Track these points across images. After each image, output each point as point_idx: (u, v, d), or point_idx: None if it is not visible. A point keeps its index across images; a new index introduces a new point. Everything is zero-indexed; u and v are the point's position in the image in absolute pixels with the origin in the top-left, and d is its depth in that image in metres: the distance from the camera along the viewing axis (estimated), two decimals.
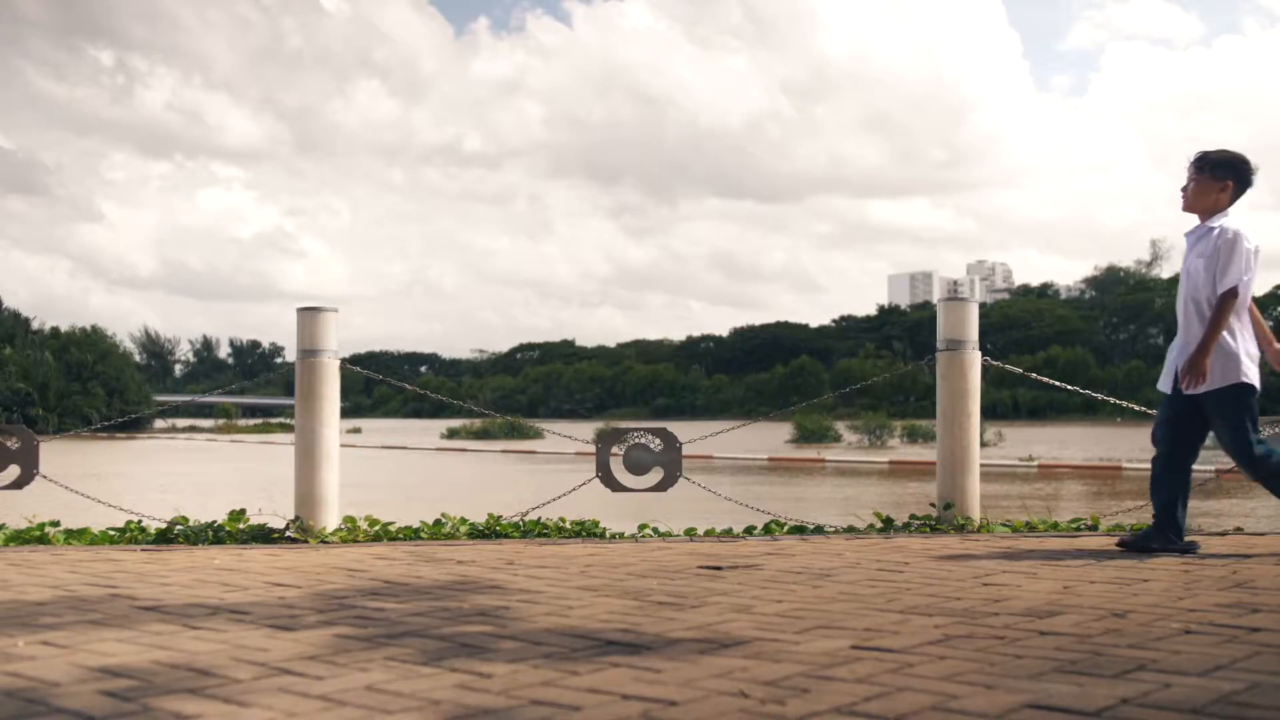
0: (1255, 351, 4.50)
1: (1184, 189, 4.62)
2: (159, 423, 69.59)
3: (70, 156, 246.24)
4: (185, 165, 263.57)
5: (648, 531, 5.48)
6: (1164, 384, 4.61)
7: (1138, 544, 4.48)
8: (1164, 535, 4.47)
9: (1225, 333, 4.39)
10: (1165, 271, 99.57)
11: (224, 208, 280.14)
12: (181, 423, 71.70)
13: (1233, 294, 4.37)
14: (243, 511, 5.36)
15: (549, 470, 22.12)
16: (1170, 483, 4.51)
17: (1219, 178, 4.54)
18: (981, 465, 5.82)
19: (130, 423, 57.92)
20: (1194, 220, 4.62)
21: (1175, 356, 4.56)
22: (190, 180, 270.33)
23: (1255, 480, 4.47)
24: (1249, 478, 4.49)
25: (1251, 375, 4.40)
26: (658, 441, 5.79)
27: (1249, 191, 4.58)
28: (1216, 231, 4.47)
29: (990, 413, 38.87)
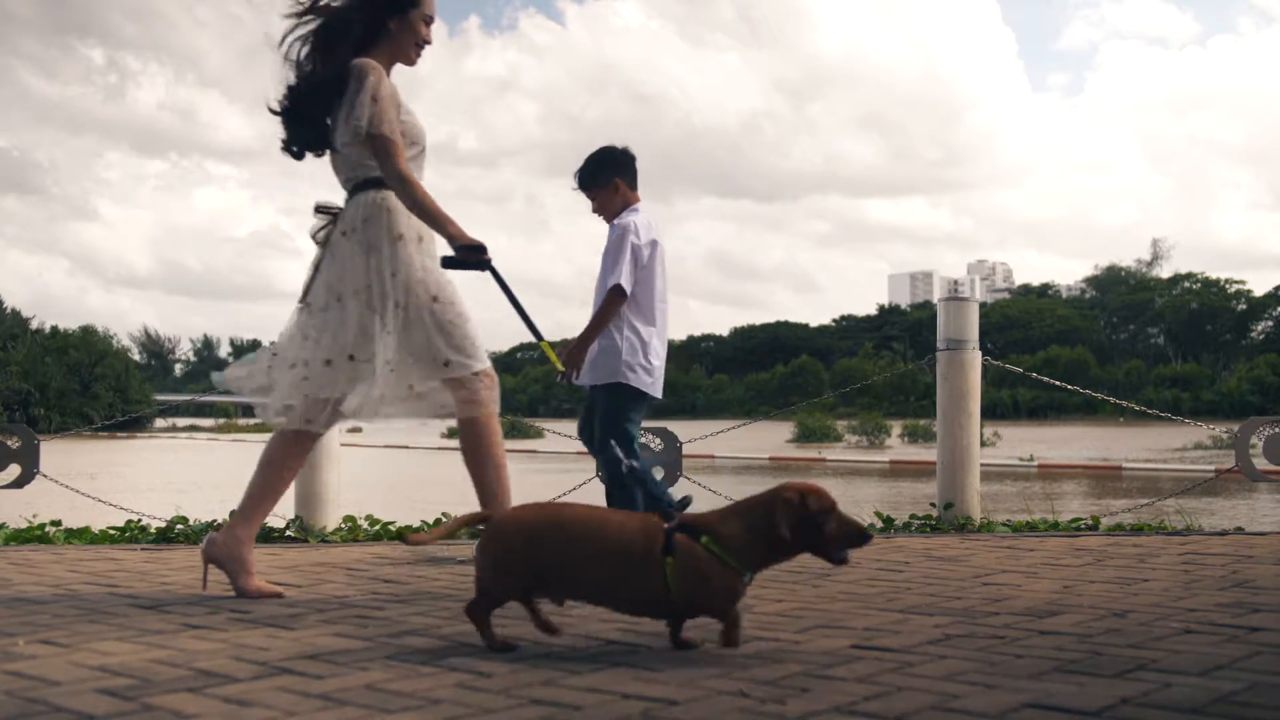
0: (654, 359, 4.37)
1: (594, 210, 4.55)
2: (159, 422, 69.58)
3: (65, 155, 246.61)
4: (180, 164, 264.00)
5: None
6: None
7: None
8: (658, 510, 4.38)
9: (615, 330, 4.30)
10: (1166, 271, 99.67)
11: (220, 206, 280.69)
12: (182, 422, 71.67)
13: (619, 290, 4.28)
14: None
15: (549, 470, 22.12)
16: (621, 480, 4.41)
17: (604, 183, 4.48)
18: (982, 465, 5.82)
19: (131, 422, 57.94)
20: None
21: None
22: (185, 179, 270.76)
23: (603, 475, 4.42)
24: (599, 466, 4.43)
25: (633, 378, 4.29)
26: (658, 441, 5.79)
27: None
28: (611, 228, 4.42)
29: (990, 412, 38.90)
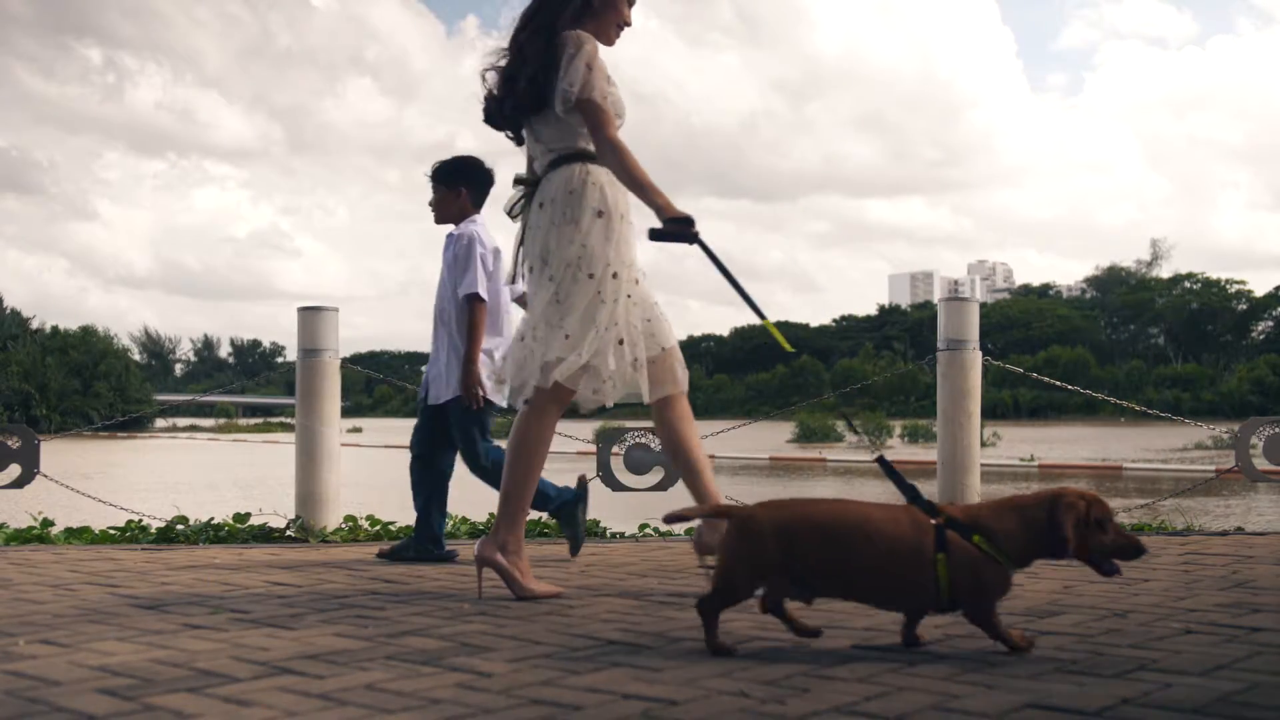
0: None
1: (430, 203, 4.56)
2: (160, 422, 69.61)
3: (63, 155, 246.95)
4: (179, 164, 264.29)
5: (648, 531, 5.48)
6: (421, 394, 4.56)
7: (396, 554, 4.42)
8: (421, 544, 4.40)
9: (464, 342, 4.30)
10: (1165, 271, 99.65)
11: (219, 206, 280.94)
12: (182, 422, 71.65)
13: (478, 299, 4.29)
14: (247, 515, 5.37)
15: (549, 469, 22.12)
16: (426, 489, 4.46)
17: (452, 186, 4.48)
18: (982, 465, 5.82)
19: (131, 422, 57.96)
20: None
21: (428, 367, 4.50)
22: (184, 179, 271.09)
23: (486, 483, 4.37)
24: (481, 479, 4.42)
25: (487, 387, 4.31)
26: (659, 441, 5.78)
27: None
28: (454, 238, 4.42)
29: (990, 413, 38.89)
